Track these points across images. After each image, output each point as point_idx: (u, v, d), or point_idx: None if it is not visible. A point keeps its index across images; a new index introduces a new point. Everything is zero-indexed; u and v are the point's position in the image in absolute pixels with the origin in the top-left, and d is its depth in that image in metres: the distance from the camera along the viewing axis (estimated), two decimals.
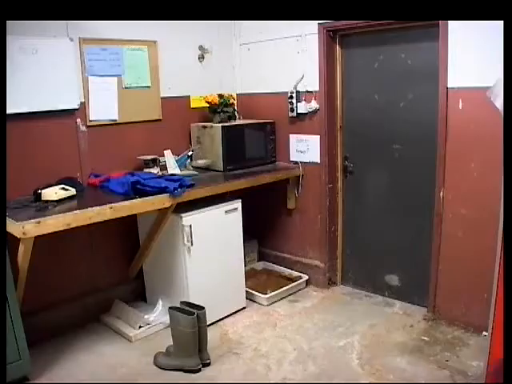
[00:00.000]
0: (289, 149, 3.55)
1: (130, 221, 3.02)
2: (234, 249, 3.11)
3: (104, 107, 3.02)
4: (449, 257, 2.84)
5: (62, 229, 2.27)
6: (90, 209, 2.36)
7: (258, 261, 3.92)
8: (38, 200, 2.50)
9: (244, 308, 3.23)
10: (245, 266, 3.30)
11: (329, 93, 3.29)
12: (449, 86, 2.65)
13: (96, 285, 3.13)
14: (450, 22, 2.56)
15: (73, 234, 2.43)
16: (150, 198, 2.57)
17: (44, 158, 2.75)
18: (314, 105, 3.32)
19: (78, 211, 2.32)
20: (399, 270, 3.32)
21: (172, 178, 2.80)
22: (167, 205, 2.64)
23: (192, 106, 3.53)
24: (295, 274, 3.64)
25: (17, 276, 2.38)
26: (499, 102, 1.85)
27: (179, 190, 2.63)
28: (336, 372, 2.49)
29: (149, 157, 3.16)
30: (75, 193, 2.62)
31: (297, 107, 3.40)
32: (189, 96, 3.50)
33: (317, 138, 3.35)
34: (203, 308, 2.57)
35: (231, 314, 3.13)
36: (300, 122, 3.45)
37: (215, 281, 3.01)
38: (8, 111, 2.45)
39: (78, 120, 2.91)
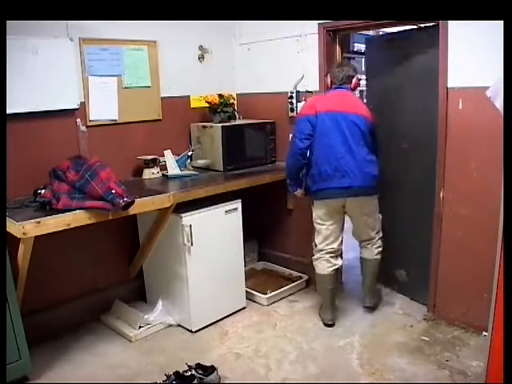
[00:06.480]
0: None
1: (130, 221, 3.02)
2: (234, 249, 3.11)
3: (104, 107, 3.02)
4: (449, 257, 2.84)
5: (61, 229, 2.27)
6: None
7: (257, 261, 3.92)
8: (38, 200, 2.50)
9: (244, 308, 3.22)
10: (245, 265, 3.30)
11: None
12: (449, 86, 2.64)
13: (96, 285, 3.13)
14: (449, 21, 2.56)
15: (73, 233, 2.43)
16: (150, 197, 2.58)
17: (44, 158, 2.75)
18: None
19: (77, 211, 2.32)
20: (399, 269, 3.32)
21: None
22: (167, 205, 2.64)
23: (192, 106, 3.53)
24: (295, 274, 3.64)
25: (17, 276, 2.38)
26: (499, 102, 1.85)
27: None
28: (336, 372, 2.49)
29: (149, 157, 3.16)
30: None
31: (297, 107, 3.40)
32: (189, 96, 3.50)
33: None
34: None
35: (231, 314, 3.13)
36: None
37: (215, 281, 3.01)
38: (8, 111, 2.44)
39: (78, 120, 2.91)
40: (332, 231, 2.86)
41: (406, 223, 3.21)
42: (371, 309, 3.10)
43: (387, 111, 3.15)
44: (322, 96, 2.96)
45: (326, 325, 2.95)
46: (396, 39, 3.14)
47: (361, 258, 3.08)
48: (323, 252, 2.89)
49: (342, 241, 2.93)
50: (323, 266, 2.89)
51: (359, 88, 3.13)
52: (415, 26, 2.96)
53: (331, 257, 2.89)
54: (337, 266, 2.92)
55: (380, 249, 3.00)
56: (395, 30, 3.26)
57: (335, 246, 2.89)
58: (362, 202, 2.80)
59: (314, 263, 2.97)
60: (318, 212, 2.87)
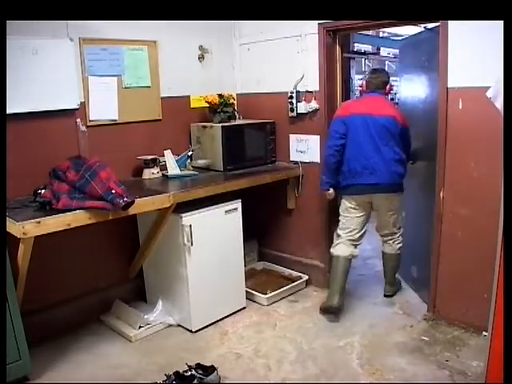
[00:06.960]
0: (289, 149, 3.55)
1: (130, 221, 3.02)
2: (234, 249, 3.11)
3: (104, 107, 3.02)
4: (449, 257, 2.84)
5: (61, 229, 2.27)
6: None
7: (258, 261, 3.92)
8: (38, 200, 2.50)
9: (244, 308, 3.23)
10: (245, 265, 3.30)
11: (329, 93, 3.29)
12: (449, 86, 2.64)
13: (96, 285, 3.13)
14: (449, 21, 2.56)
15: (73, 233, 2.43)
16: (150, 197, 2.58)
17: (44, 157, 2.75)
18: (313, 105, 3.32)
19: (77, 211, 2.32)
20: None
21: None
22: (167, 205, 2.64)
23: (192, 106, 3.53)
24: (295, 273, 3.64)
25: (17, 276, 2.38)
26: (499, 102, 1.85)
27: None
28: (336, 372, 2.49)
29: (149, 157, 3.16)
30: None
31: (297, 107, 3.40)
32: (189, 96, 3.50)
33: (317, 137, 3.35)
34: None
35: (231, 314, 3.13)
36: (300, 122, 3.45)
37: (215, 281, 3.01)
38: (8, 111, 2.44)
39: (78, 120, 2.90)
40: (356, 223, 3.00)
41: (419, 221, 3.24)
42: (390, 296, 3.32)
43: (410, 112, 3.19)
44: (356, 100, 3.22)
45: (330, 312, 3.01)
46: (419, 40, 3.19)
47: (382, 252, 3.25)
48: (344, 239, 3.01)
49: (363, 234, 3.06)
50: (342, 249, 3.02)
51: (392, 92, 3.29)
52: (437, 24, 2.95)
53: (351, 243, 3.02)
54: (354, 254, 3.05)
55: (400, 244, 3.18)
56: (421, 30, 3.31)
57: (357, 236, 3.03)
58: (388, 198, 2.95)
59: (331, 250, 3.08)
60: (346, 204, 3.03)
